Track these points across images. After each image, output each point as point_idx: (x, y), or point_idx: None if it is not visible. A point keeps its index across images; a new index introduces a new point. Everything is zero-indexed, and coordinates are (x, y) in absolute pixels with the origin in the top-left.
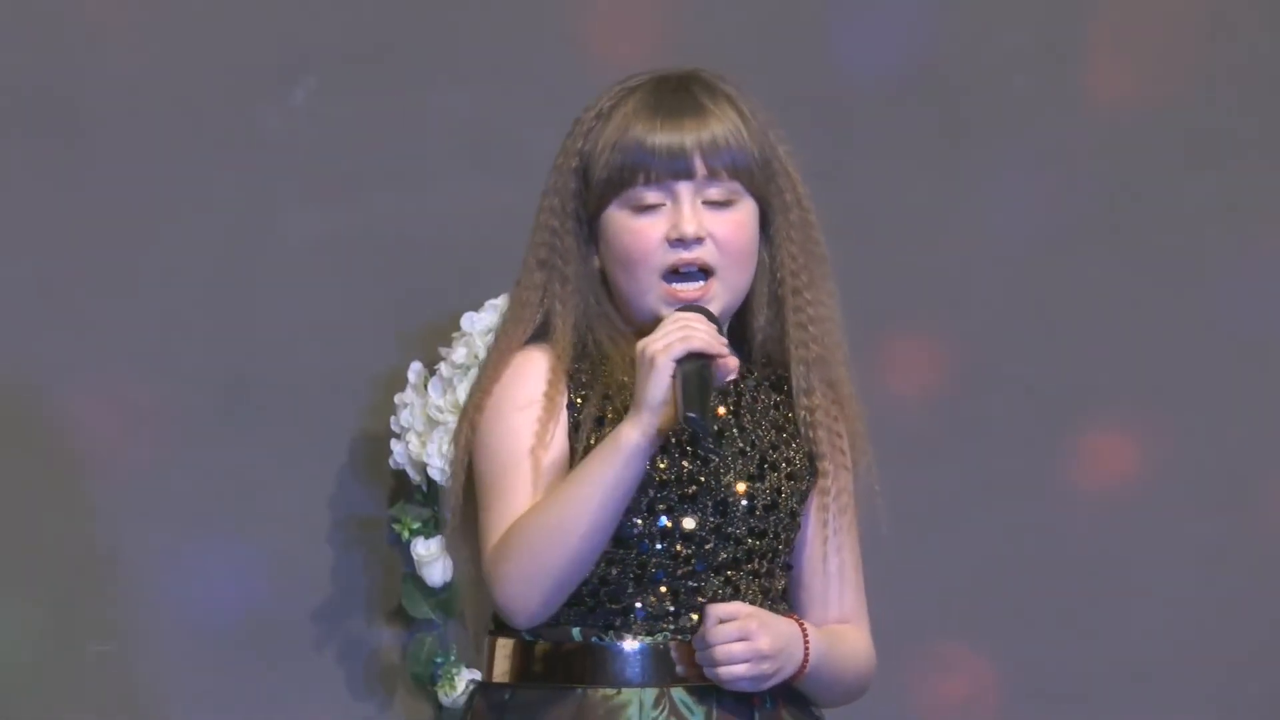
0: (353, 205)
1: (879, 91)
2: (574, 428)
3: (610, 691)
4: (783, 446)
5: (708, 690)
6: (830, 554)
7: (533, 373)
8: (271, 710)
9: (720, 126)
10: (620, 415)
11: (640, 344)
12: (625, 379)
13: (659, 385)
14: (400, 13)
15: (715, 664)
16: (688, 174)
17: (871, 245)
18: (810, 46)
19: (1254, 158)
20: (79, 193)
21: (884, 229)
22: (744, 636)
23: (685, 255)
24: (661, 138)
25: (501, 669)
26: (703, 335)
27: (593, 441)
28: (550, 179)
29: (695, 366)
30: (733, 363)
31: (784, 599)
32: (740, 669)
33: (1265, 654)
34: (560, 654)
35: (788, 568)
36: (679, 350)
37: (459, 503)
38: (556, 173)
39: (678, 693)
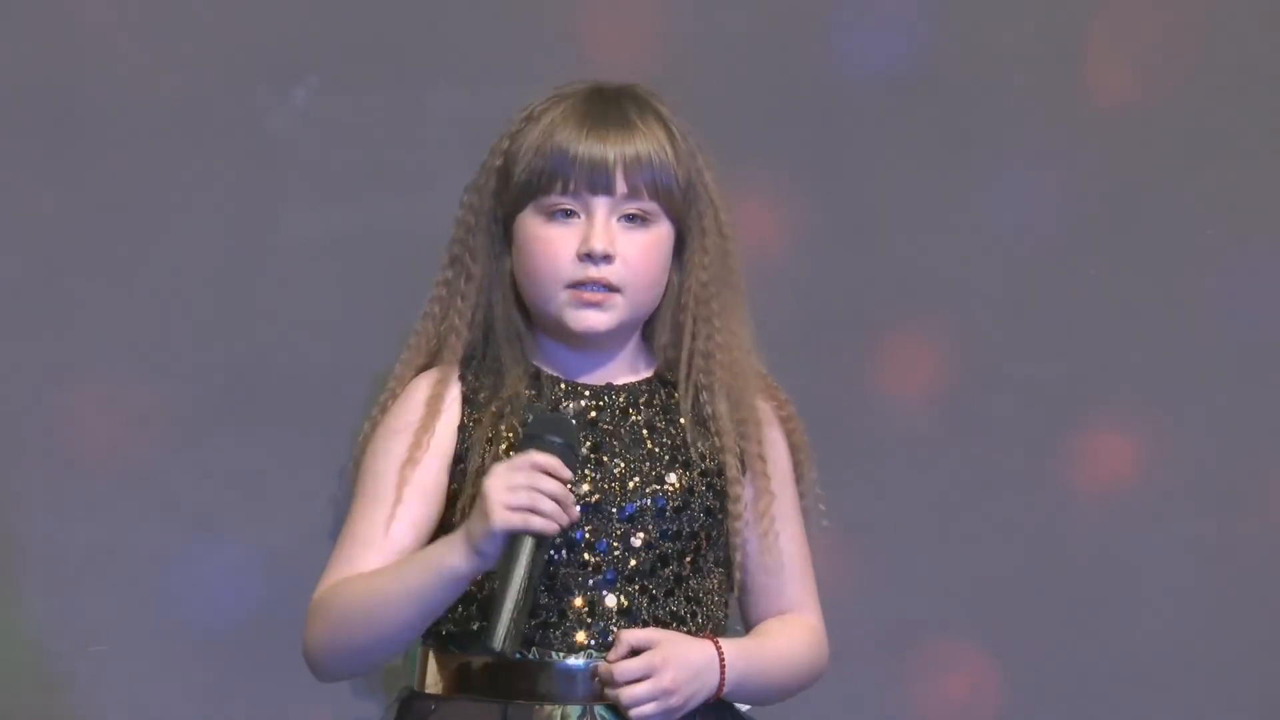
0: (354, 204)
1: (879, 90)
2: (464, 451)
3: (535, 706)
4: (699, 442)
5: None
6: (761, 552)
7: (418, 399)
8: (271, 710)
9: (646, 144)
10: (514, 435)
11: (487, 483)
12: (524, 390)
13: (488, 540)
14: (402, 12)
15: (622, 704)
16: (606, 189)
17: (871, 245)
18: (810, 45)
19: (1254, 157)
20: (79, 191)
21: (883, 228)
22: (648, 674)
23: (593, 272)
24: (585, 148)
25: (432, 679)
26: (544, 520)
27: (485, 461)
28: (476, 176)
29: (525, 542)
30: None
31: (730, 590)
32: (647, 709)
33: (1266, 652)
34: (487, 669)
35: (729, 563)
36: (519, 526)
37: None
38: (481, 171)
39: (600, 708)
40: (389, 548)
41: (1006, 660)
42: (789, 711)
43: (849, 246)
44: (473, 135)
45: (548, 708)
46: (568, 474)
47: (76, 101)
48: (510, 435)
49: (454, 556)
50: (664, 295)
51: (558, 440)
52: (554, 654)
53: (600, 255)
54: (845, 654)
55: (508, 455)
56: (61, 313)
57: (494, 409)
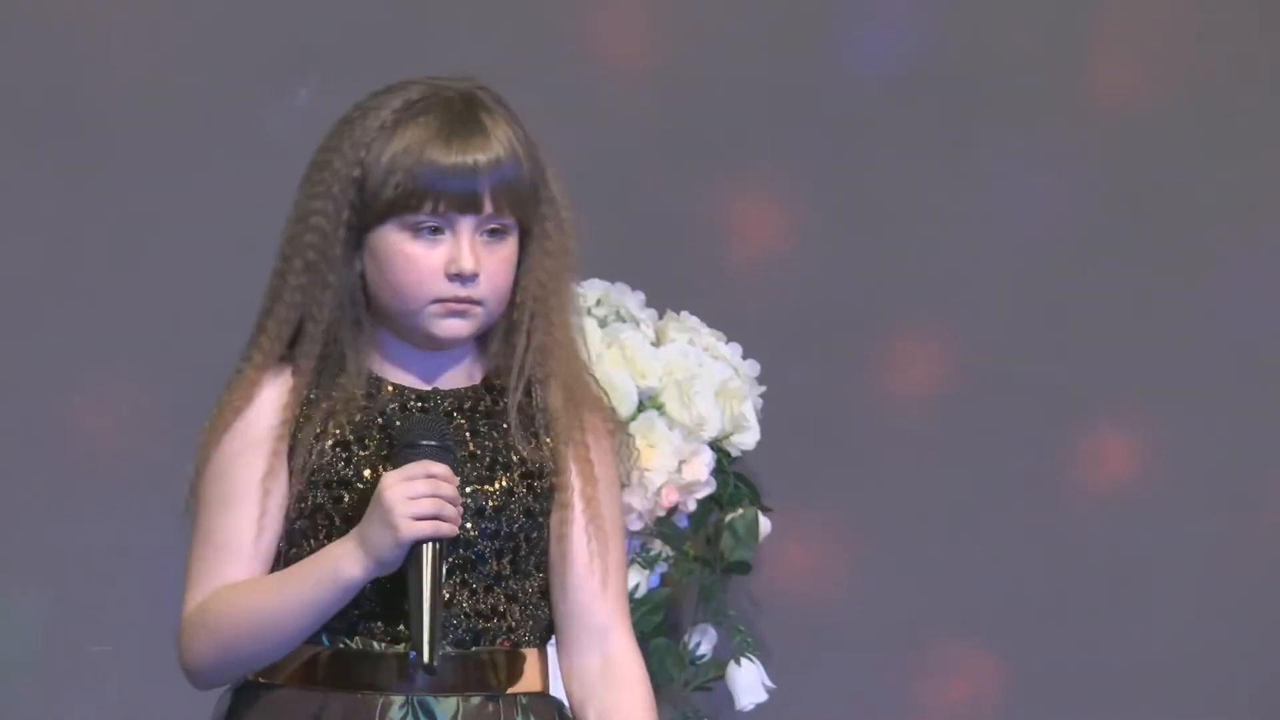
0: None
1: (883, 90)
2: (291, 449)
3: (357, 696)
4: (519, 445)
5: (452, 697)
6: (579, 551)
7: (268, 406)
8: None
9: (506, 159)
10: (342, 433)
11: (386, 495)
12: (357, 393)
13: (395, 551)
14: (402, 13)
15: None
16: (475, 209)
17: (876, 245)
18: (814, 45)
19: (1258, 157)
20: (81, 193)
21: (888, 229)
22: None
23: (461, 292)
24: (453, 170)
25: (274, 667)
26: (450, 525)
27: (312, 456)
28: (322, 180)
29: (427, 549)
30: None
31: (545, 598)
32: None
33: (1270, 652)
34: (308, 659)
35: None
36: (429, 534)
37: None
38: (332, 176)
39: (422, 697)
40: (259, 558)
41: (1009, 661)
42: (789, 713)
43: (853, 246)
44: None
45: (371, 697)
46: (455, 478)
47: (75, 101)
48: (337, 432)
49: (353, 568)
50: None
51: (433, 443)
52: (376, 644)
53: (469, 274)
54: (848, 654)
55: (335, 451)
56: (61, 312)
57: (325, 406)
